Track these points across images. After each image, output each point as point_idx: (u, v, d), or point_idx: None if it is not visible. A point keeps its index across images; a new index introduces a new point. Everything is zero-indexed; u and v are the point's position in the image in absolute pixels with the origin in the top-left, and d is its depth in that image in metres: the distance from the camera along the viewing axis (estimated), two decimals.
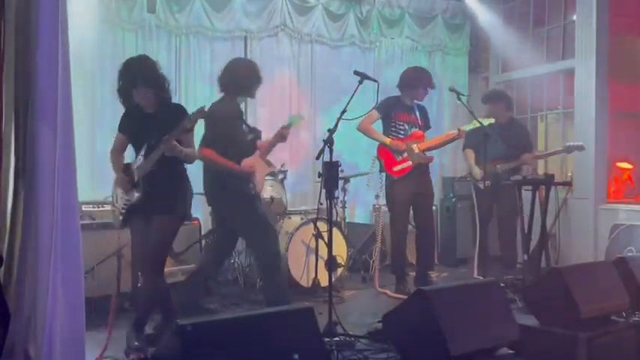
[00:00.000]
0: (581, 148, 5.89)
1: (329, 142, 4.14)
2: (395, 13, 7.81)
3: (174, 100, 6.54)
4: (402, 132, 5.73)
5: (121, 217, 4.00)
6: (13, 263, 3.10)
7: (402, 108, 5.76)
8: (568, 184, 6.41)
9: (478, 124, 5.44)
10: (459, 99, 5.54)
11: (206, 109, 3.86)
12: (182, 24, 6.65)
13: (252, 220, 4.63)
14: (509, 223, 6.11)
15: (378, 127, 5.85)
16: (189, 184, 4.11)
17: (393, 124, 5.74)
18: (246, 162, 4.61)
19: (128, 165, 4.02)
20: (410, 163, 5.64)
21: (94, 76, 6.32)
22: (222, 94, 4.79)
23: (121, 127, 4.11)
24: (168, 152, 3.76)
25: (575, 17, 6.98)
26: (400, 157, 5.68)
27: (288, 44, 7.27)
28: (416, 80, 5.76)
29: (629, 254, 5.50)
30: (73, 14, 5.93)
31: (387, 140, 5.66)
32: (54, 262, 2.87)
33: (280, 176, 6.08)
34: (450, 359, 3.20)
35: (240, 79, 4.72)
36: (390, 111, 5.72)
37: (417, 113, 5.82)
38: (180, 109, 4.03)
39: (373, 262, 6.57)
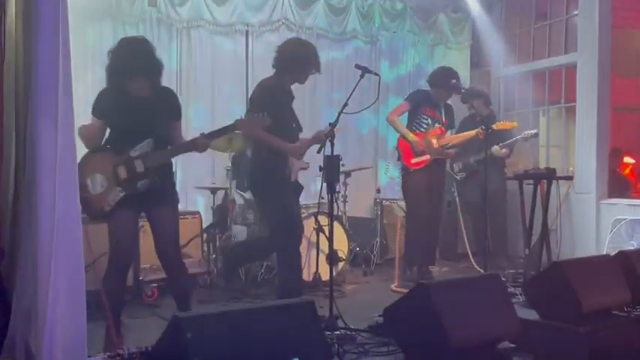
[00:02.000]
0: (535, 135, 6.25)
1: (330, 135, 4.13)
2: (397, 7, 7.78)
3: (180, 96, 6.62)
4: (425, 126, 5.77)
5: (108, 208, 3.70)
6: (15, 257, 3.10)
7: (429, 103, 5.80)
8: (569, 178, 6.41)
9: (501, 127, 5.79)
10: (461, 93, 5.54)
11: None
12: (183, 17, 6.64)
13: (272, 207, 4.58)
14: (495, 217, 6.42)
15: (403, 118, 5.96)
16: None
17: (418, 117, 5.80)
18: (292, 145, 4.51)
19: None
20: (428, 156, 5.69)
21: (95, 70, 6.30)
22: (273, 71, 4.67)
23: (100, 113, 3.75)
24: (201, 150, 3.83)
25: (577, 11, 6.95)
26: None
27: (290, 37, 7.23)
28: (438, 80, 5.80)
29: (631, 248, 5.50)
30: (74, 7, 5.98)
31: (410, 136, 5.70)
32: (55, 256, 2.87)
33: None
34: (451, 353, 3.20)
35: (300, 58, 4.58)
36: (419, 104, 5.77)
37: (443, 111, 5.86)
38: (172, 94, 3.98)
39: (374, 256, 6.59)
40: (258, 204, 4.94)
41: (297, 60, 4.57)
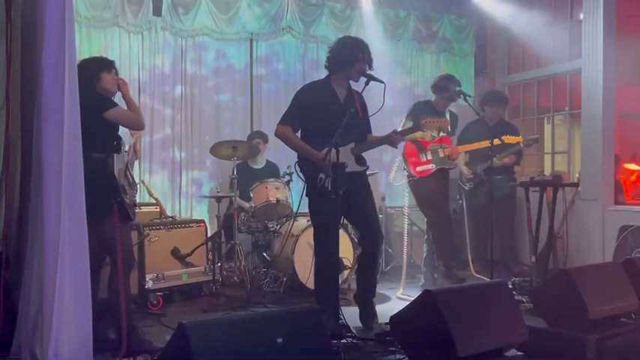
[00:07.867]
0: (536, 140, 6.45)
1: (335, 143, 4.11)
2: (400, 15, 7.78)
3: (185, 105, 6.64)
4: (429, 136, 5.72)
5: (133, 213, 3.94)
6: (21, 264, 3.10)
7: (431, 112, 5.71)
8: (576, 185, 6.38)
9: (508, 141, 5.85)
10: (466, 100, 5.53)
11: None
12: (188, 27, 6.65)
13: (313, 217, 4.50)
14: (504, 226, 6.54)
15: None
16: None
17: (421, 127, 5.75)
18: (317, 152, 4.30)
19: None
20: (433, 165, 5.68)
21: None
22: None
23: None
24: None
25: (581, 17, 6.94)
26: (425, 158, 5.72)
27: (294, 46, 7.26)
28: (440, 87, 5.81)
29: (638, 255, 5.47)
30: (80, 17, 6.02)
31: (418, 134, 5.60)
32: (60, 263, 2.87)
33: (286, 178, 6.08)
34: None
35: (346, 55, 4.39)
36: (419, 116, 5.64)
37: (448, 119, 5.85)
38: None
39: (380, 264, 6.55)
40: None
41: (343, 57, 4.43)
